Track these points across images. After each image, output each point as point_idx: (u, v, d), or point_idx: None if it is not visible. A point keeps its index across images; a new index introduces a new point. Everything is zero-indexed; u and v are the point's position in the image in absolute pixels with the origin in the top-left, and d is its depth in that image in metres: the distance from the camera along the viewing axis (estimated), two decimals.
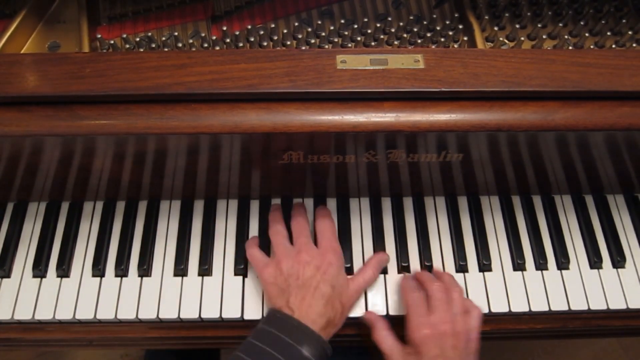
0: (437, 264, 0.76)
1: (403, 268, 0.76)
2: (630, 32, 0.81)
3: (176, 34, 0.78)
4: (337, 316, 0.67)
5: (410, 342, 0.66)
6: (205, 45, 0.78)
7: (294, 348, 0.61)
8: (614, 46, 0.80)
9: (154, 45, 0.78)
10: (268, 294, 0.70)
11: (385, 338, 0.68)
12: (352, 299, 0.70)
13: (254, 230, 0.79)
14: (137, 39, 0.79)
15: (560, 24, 0.82)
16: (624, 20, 0.82)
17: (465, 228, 0.80)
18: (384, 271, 0.76)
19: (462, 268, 0.76)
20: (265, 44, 0.78)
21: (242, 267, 0.75)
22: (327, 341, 0.64)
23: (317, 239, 0.73)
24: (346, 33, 0.79)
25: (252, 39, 0.79)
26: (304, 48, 0.79)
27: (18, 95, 0.62)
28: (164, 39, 0.79)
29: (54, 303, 0.73)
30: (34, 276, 0.75)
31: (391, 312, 0.73)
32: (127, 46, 0.78)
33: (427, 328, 0.65)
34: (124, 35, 0.78)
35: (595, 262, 0.77)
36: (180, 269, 0.75)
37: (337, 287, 0.67)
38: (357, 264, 0.76)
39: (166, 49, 0.78)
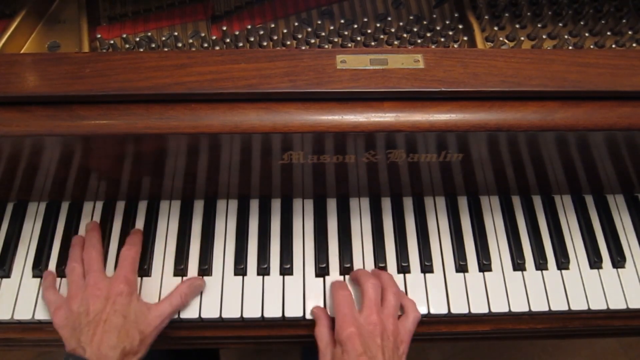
0: (437, 263, 0.76)
1: (403, 268, 0.76)
2: (630, 32, 0.81)
3: (176, 34, 0.78)
4: (134, 344, 0.64)
5: (337, 340, 0.65)
6: (205, 45, 0.78)
7: None
8: (614, 46, 0.80)
9: (154, 45, 0.78)
10: (63, 338, 0.66)
11: (322, 335, 0.68)
12: (154, 324, 0.67)
13: (253, 230, 0.79)
14: (137, 39, 0.79)
15: (560, 24, 0.82)
16: (624, 20, 0.82)
17: (465, 228, 0.80)
18: (385, 271, 0.76)
19: (462, 268, 0.76)
20: (265, 44, 0.78)
21: (241, 267, 0.75)
22: None
23: (117, 267, 0.70)
24: (346, 33, 0.79)
25: (252, 39, 0.79)
26: (304, 48, 0.79)
27: (18, 95, 0.62)
28: (164, 39, 0.79)
29: None
30: (34, 276, 0.75)
31: None
32: (127, 46, 0.78)
33: (352, 326, 0.64)
34: (124, 35, 0.78)
35: (595, 262, 0.77)
36: (180, 269, 0.75)
37: (130, 316, 0.65)
38: (357, 264, 0.76)
39: (166, 49, 0.78)
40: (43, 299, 0.72)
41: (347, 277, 0.76)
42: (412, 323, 0.69)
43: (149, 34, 0.80)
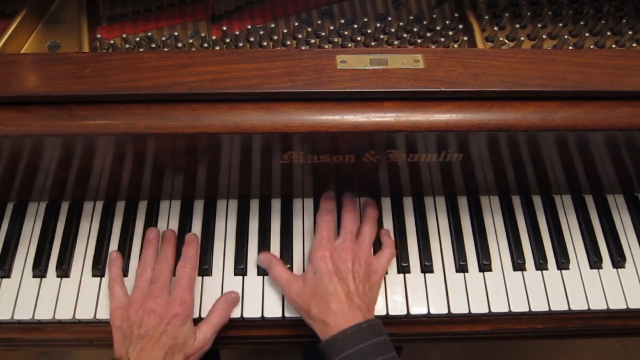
0: (437, 263, 0.76)
1: (403, 268, 0.76)
2: (630, 32, 0.81)
3: (176, 34, 0.78)
4: None
5: (310, 261, 0.70)
6: (205, 45, 0.78)
7: None
8: (614, 46, 0.80)
9: (154, 45, 0.78)
10: (114, 338, 0.69)
11: (281, 273, 0.71)
12: (198, 348, 0.68)
13: (253, 229, 0.79)
14: (137, 39, 0.79)
15: (560, 24, 0.82)
16: (624, 20, 0.82)
17: (465, 228, 0.80)
18: (385, 272, 0.76)
19: (462, 268, 0.76)
20: (265, 44, 0.78)
21: (242, 267, 0.75)
22: None
23: (174, 286, 0.71)
24: (346, 33, 0.79)
25: (252, 39, 0.79)
26: (304, 48, 0.79)
27: (18, 95, 0.62)
28: (164, 39, 0.79)
29: (54, 303, 0.73)
30: (34, 276, 0.75)
31: (391, 313, 0.73)
32: (127, 46, 0.78)
33: (326, 249, 0.69)
34: (124, 35, 0.78)
35: (595, 262, 0.77)
36: None
37: (179, 339, 0.66)
38: None
39: (166, 49, 0.78)
40: (108, 289, 0.73)
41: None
42: (387, 258, 0.74)
43: (149, 34, 0.80)
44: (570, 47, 0.80)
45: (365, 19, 0.80)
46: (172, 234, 0.77)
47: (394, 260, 0.77)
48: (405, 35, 0.80)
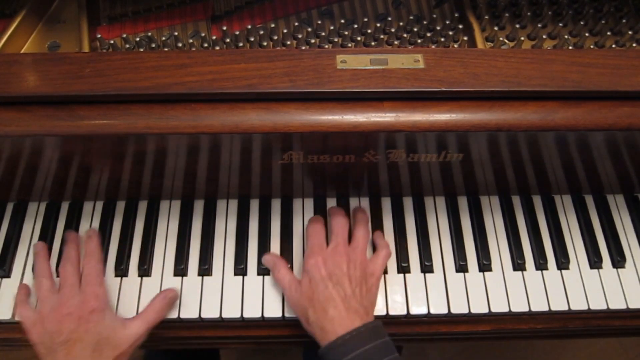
0: (437, 263, 0.76)
1: (403, 268, 0.76)
2: (630, 32, 0.81)
3: (176, 34, 0.78)
4: None
5: (304, 270, 0.70)
6: (205, 45, 0.78)
7: None
8: (614, 46, 0.80)
9: (154, 45, 0.78)
10: (38, 354, 0.66)
11: (284, 276, 0.71)
12: (128, 342, 0.66)
13: (253, 229, 0.79)
14: (137, 39, 0.79)
15: (560, 24, 0.82)
16: (624, 20, 0.82)
17: (465, 228, 0.80)
18: (385, 271, 0.76)
19: (462, 268, 0.76)
20: (265, 44, 0.78)
21: (242, 266, 0.75)
22: None
23: (83, 283, 0.69)
24: (346, 33, 0.79)
25: (252, 39, 0.79)
26: (304, 48, 0.79)
27: (18, 95, 0.62)
28: (164, 39, 0.79)
29: None
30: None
31: (391, 312, 0.73)
32: (127, 46, 0.78)
33: (319, 255, 0.69)
34: (124, 35, 0.78)
35: (595, 262, 0.77)
36: (180, 269, 0.75)
37: (104, 333, 0.65)
38: None
39: (166, 49, 0.78)
40: (16, 315, 0.71)
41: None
42: (382, 259, 0.74)
43: (149, 34, 0.80)
44: (570, 47, 0.80)
45: (365, 19, 0.80)
46: (72, 236, 0.75)
47: (394, 260, 0.77)
48: (405, 35, 0.80)
